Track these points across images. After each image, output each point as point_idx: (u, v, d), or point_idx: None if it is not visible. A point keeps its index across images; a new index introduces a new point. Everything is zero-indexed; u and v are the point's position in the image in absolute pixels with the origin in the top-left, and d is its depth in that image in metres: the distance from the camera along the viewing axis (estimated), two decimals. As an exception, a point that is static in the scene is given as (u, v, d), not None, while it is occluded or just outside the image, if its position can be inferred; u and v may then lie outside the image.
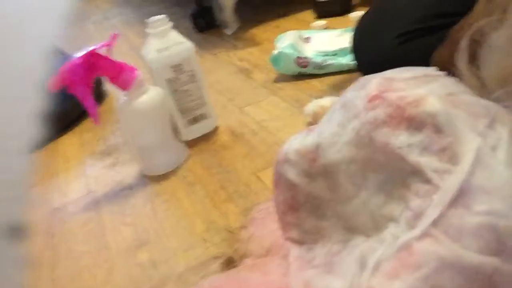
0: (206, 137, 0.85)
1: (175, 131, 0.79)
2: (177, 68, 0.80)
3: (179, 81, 0.81)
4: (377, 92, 0.30)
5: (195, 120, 0.85)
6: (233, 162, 0.76)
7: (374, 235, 0.31)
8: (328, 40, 1.06)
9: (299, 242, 0.37)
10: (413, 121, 0.29)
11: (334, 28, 1.18)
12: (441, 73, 0.34)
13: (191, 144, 0.84)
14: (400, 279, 0.26)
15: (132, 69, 0.72)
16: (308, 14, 1.38)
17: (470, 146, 0.27)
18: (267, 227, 0.51)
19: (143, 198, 0.73)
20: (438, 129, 0.28)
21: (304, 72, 0.98)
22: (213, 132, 0.87)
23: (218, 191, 0.70)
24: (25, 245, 0.17)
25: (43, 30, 0.19)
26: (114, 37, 0.69)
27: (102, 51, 0.69)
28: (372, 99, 0.30)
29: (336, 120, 0.33)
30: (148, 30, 0.78)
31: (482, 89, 0.47)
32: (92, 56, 0.67)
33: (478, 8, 0.54)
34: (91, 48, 0.66)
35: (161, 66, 0.79)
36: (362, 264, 0.30)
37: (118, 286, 0.56)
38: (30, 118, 0.18)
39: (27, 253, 0.17)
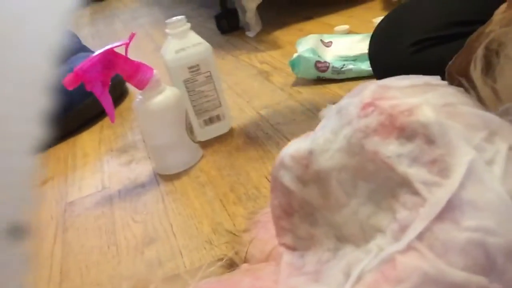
0: (220, 139, 0.86)
1: (190, 131, 0.80)
2: (194, 69, 0.81)
3: (195, 81, 0.81)
4: (370, 99, 0.30)
5: (210, 121, 0.85)
6: (245, 165, 0.76)
7: (362, 245, 0.30)
8: (349, 45, 1.04)
9: (292, 248, 0.37)
10: (404, 130, 0.28)
11: (356, 32, 1.17)
12: (443, 82, 0.33)
13: (205, 145, 0.84)
14: (381, 292, 0.26)
15: (148, 69, 0.73)
16: (332, 18, 1.36)
17: (463, 159, 0.26)
18: (269, 231, 0.51)
19: (154, 196, 0.74)
20: (429, 140, 0.27)
21: (323, 77, 0.97)
22: (228, 133, 0.87)
23: (228, 193, 0.70)
24: (26, 245, 0.18)
25: (46, 29, 0.19)
26: (132, 36, 0.70)
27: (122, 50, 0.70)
28: (365, 106, 0.30)
29: (330, 126, 0.32)
30: (168, 31, 0.79)
31: (496, 101, 0.46)
32: (109, 54, 0.69)
33: (496, 17, 0.52)
34: (109, 47, 0.67)
35: (178, 66, 0.80)
36: (347, 274, 0.29)
37: (123, 282, 0.57)
38: (33, 119, 0.18)
39: (28, 253, 0.18)
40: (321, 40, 1.07)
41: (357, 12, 1.36)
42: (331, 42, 1.08)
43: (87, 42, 1.28)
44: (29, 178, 0.17)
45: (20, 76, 0.18)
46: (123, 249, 0.63)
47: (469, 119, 0.29)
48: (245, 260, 0.49)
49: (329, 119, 0.33)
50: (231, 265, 0.51)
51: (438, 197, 0.26)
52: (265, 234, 0.51)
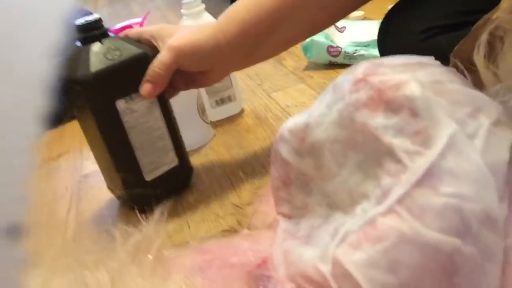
0: (231, 119, 0.88)
1: (202, 112, 0.82)
2: (207, 49, 0.82)
3: (208, 62, 0.83)
4: (362, 75, 0.32)
5: (222, 101, 0.87)
6: (253, 145, 0.79)
7: (350, 211, 0.32)
8: (362, 30, 1.05)
9: (289, 216, 0.39)
10: (391, 104, 0.30)
11: (371, 19, 1.17)
12: (436, 62, 0.35)
13: (216, 124, 0.87)
14: (362, 250, 0.28)
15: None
16: (348, 5, 1.36)
17: (444, 131, 0.28)
18: (271, 204, 0.53)
19: (166, 171, 0.76)
20: (414, 113, 0.29)
21: (334, 62, 0.98)
22: (239, 114, 0.89)
23: (236, 170, 0.72)
24: (24, 245, 0.18)
25: (45, 28, 0.19)
26: (146, 15, 0.72)
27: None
28: (357, 82, 0.32)
29: (325, 101, 0.34)
30: (183, 11, 0.81)
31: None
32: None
33: (503, 4, 0.53)
34: (122, 24, 0.69)
35: (191, 47, 0.82)
36: (333, 236, 0.31)
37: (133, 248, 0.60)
38: (31, 118, 0.18)
39: (26, 253, 0.18)
40: (334, 25, 1.08)
41: (372, -1, 1.35)
42: (344, 27, 1.09)
43: (105, 22, 1.31)
44: (27, 177, 0.17)
45: (19, 74, 0.18)
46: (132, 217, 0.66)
47: (455, 96, 0.30)
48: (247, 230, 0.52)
49: (325, 95, 0.35)
50: (233, 234, 0.53)
51: (419, 165, 0.28)
52: (267, 207, 0.54)
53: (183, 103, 0.79)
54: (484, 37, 0.51)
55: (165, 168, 0.65)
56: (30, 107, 0.18)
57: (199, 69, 0.61)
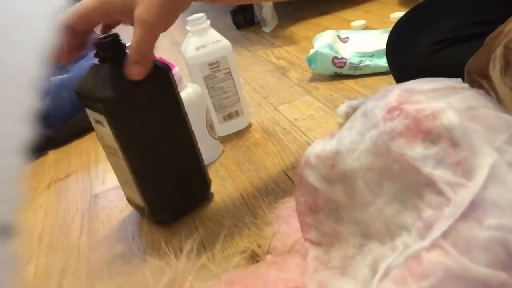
0: (239, 134, 0.87)
1: (211, 128, 0.82)
2: (214, 65, 0.82)
3: (215, 78, 0.83)
4: (396, 103, 0.31)
5: (230, 116, 0.87)
6: (263, 160, 0.78)
7: (388, 242, 0.32)
8: (366, 40, 1.05)
9: (317, 244, 0.38)
10: (429, 133, 0.29)
11: (373, 28, 1.17)
12: (465, 85, 0.35)
13: (225, 140, 0.86)
14: (407, 286, 0.27)
15: (170, 66, 0.74)
16: (349, 13, 1.37)
17: (485, 161, 0.28)
18: (291, 225, 0.53)
19: (177, 190, 0.75)
20: (454, 143, 0.29)
21: (340, 73, 0.98)
22: (246, 129, 0.89)
23: (248, 187, 0.72)
24: (14, 245, 0.18)
25: (37, 29, 0.20)
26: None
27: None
28: (391, 110, 0.31)
29: (356, 128, 0.34)
30: (188, 28, 0.81)
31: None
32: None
33: (516, 16, 0.53)
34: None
35: (198, 63, 0.81)
36: (373, 269, 0.31)
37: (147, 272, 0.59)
38: (23, 119, 0.18)
39: (16, 252, 0.18)
40: (338, 35, 1.08)
41: (373, 7, 1.36)
42: (347, 37, 1.09)
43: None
44: (18, 178, 0.17)
45: (10, 75, 0.18)
46: (148, 240, 0.66)
47: (491, 122, 0.30)
48: (268, 253, 0.51)
49: (354, 121, 0.35)
50: (254, 257, 0.53)
51: (462, 197, 0.27)
52: (287, 228, 0.53)
53: (192, 120, 0.79)
54: (499, 51, 0.51)
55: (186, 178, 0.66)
56: (21, 107, 0.18)
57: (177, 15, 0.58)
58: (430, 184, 0.29)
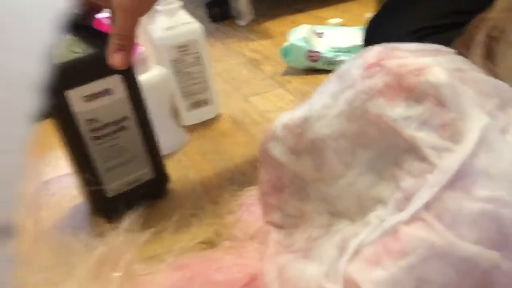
0: (207, 123, 0.83)
1: (176, 114, 0.77)
2: (183, 49, 0.78)
3: (184, 62, 0.78)
4: (376, 59, 0.27)
5: (197, 104, 0.82)
6: (231, 150, 0.73)
7: (359, 219, 0.27)
8: (341, 36, 1.03)
9: (280, 227, 0.34)
10: (413, 91, 0.25)
11: (349, 25, 1.15)
12: (452, 50, 0.31)
13: (191, 129, 0.81)
14: (382, 266, 0.23)
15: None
16: (325, 11, 1.35)
17: (476, 124, 0.24)
18: (254, 213, 0.48)
19: (134, 178, 0.70)
20: (440, 103, 0.25)
21: (313, 67, 0.95)
22: (215, 119, 0.84)
23: (212, 177, 0.67)
24: (14, 244, 0.18)
25: (38, 30, 0.19)
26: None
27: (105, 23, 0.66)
28: (370, 67, 0.27)
29: (329, 91, 0.30)
30: (157, 7, 0.76)
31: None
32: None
33: (498, 3, 0.51)
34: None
35: (166, 45, 0.76)
36: (342, 249, 0.26)
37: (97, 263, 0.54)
38: (21, 119, 0.18)
39: (16, 252, 0.18)
40: (313, 30, 1.05)
41: (350, 6, 1.34)
42: (323, 33, 1.06)
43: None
44: (18, 177, 0.18)
45: (7, 76, 0.18)
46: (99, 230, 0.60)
47: (481, 86, 0.26)
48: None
49: (327, 84, 0.31)
50: (212, 247, 0.48)
51: (449, 163, 0.23)
52: (250, 216, 0.48)
53: (156, 104, 0.73)
54: (480, 37, 0.48)
55: (137, 179, 0.60)
56: (20, 108, 0.18)
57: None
58: (412, 149, 0.25)
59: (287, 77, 0.96)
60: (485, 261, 0.22)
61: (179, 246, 0.51)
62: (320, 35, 1.05)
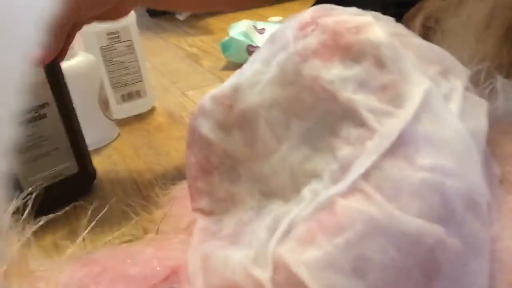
0: (140, 117, 0.78)
1: (105, 106, 0.71)
2: (114, 36, 0.72)
3: (114, 50, 0.73)
4: (311, 18, 0.24)
5: (129, 96, 0.77)
6: (165, 145, 0.69)
7: (293, 198, 0.24)
8: (283, 32, 1.01)
9: (209, 213, 0.30)
10: (350, 50, 0.23)
11: (292, 24, 1.14)
12: (391, 18, 0.29)
13: (122, 123, 0.76)
14: (316, 245, 0.20)
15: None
16: (267, 10, 1.34)
17: (418, 87, 0.22)
18: (185, 206, 0.44)
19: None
20: (380, 63, 0.22)
21: (255, 62, 0.92)
22: (149, 112, 0.79)
23: (144, 173, 0.62)
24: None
25: (24, 31, 0.19)
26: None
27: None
28: (304, 26, 0.24)
29: (261, 57, 0.26)
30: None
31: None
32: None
33: (433, -7, 0.51)
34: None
35: (95, 31, 0.71)
36: (273, 230, 0.23)
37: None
38: (8, 119, 0.18)
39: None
40: (254, 26, 1.03)
41: (292, 6, 1.34)
42: (264, 29, 1.05)
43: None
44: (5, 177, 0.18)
45: None
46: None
47: (423, 51, 0.24)
48: (155, 239, 0.42)
49: (260, 51, 0.27)
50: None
51: (389, 128, 0.21)
52: (181, 210, 0.44)
53: (82, 94, 0.67)
54: (416, 27, 0.48)
55: (59, 173, 0.54)
56: (7, 108, 0.18)
57: (102, 10, 0.49)
58: (349, 115, 0.22)
59: (227, 72, 0.93)
60: (429, 237, 0.19)
61: (100, 244, 0.46)
62: (261, 31, 1.03)
